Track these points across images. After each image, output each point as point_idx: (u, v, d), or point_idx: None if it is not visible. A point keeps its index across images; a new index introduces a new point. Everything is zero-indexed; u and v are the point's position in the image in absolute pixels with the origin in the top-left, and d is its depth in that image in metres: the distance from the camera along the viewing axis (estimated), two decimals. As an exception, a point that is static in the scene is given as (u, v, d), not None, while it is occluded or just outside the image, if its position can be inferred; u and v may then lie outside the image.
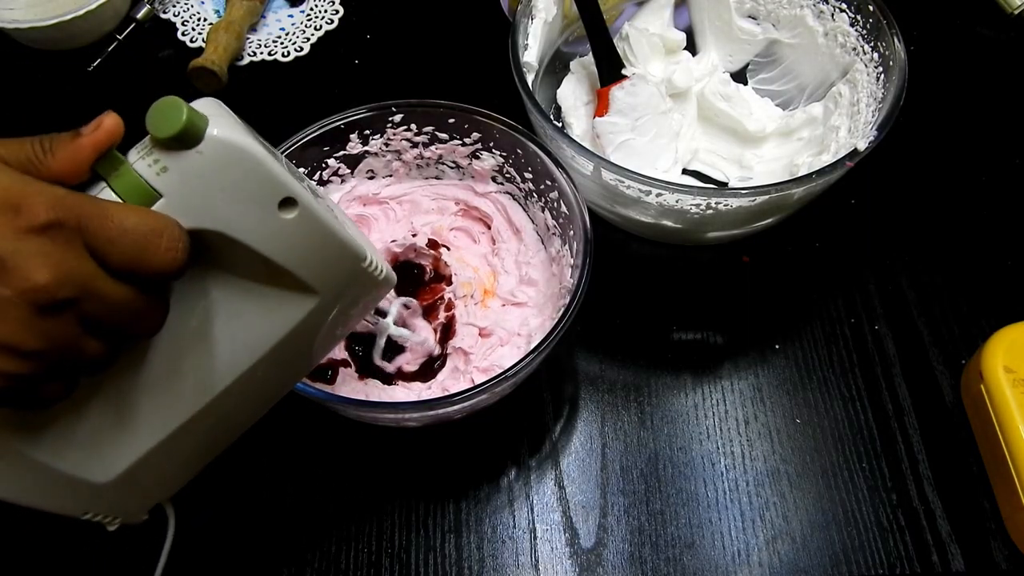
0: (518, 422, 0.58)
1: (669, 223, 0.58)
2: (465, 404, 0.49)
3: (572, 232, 0.54)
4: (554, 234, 0.58)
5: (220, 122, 0.34)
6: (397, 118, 0.58)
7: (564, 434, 0.57)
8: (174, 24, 0.78)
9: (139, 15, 0.77)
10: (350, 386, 0.55)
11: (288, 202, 0.36)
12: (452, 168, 0.62)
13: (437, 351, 0.57)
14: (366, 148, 0.59)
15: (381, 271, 0.42)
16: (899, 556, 0.53)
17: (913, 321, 0.62)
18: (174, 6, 0.79)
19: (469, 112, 0.57)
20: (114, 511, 0.40)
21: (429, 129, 0.59)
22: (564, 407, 0.58)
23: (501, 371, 0.47)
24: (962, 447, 0.56)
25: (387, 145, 0.59)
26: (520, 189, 0.60)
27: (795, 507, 0.54)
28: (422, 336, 0.56)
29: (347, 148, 0.58)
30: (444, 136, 0.59)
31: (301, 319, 0.40)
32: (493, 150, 0.59)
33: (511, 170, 0.59)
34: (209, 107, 0.34)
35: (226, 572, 0.53)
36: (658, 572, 0.52)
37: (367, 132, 0.58)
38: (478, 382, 0.48)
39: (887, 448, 0.56)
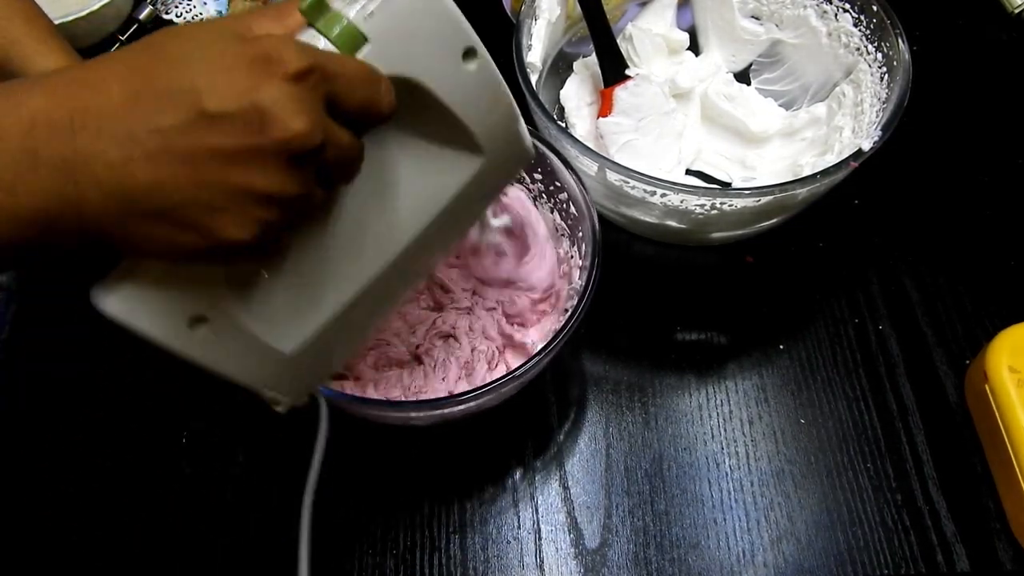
0: (523, 423, 0.58)
1: (673, 223, 0.58)
2: (471, 404, 0.48)
3: (581, 234, 0.54)
4: (563, 235, 0.58)
5: None
6: None
7: (568, 435, 0.57)
8: (177, 24, 0.78)
9: (141, 16, 0.77)
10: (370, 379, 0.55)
11: (471, 52, 0.37)
12: None
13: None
14: None
15: (529, 139, 0.44)
16: (904, 556, 0.52)
17: (917, 321, 0.61)
18: (176, 7, 0.79)
19: None
20: (288, 387, 0.41)
21: None
22: (569, 408, 0.58)
23: (507, 372, 0.47)
24: (966, 447, 0.56)
25: None
26: (530, 190, 0.60)
27: (800, 507, 0.54)
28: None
29: None
30: None
31: (469, 179, 0.41)
32: None
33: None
34: None
35: (227, 572, 0.53)
36: (663, 573, 0.52)
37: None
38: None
39: (891, 448, 0.56)
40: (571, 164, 0.55)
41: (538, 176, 0.58)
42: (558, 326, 0.49)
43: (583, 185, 0.54)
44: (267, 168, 0.30)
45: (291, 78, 0.30)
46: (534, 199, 0.60)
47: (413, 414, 0.52)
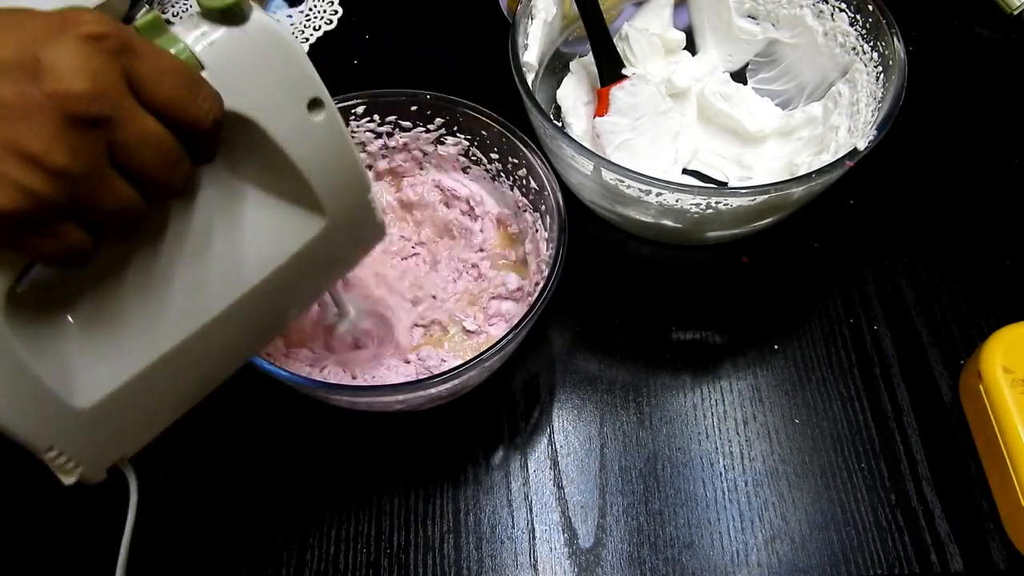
0: (517, 422, 0.58)
1: (669, 223, 0.58)
2: (456, 382, 0.49)
3: (544, 207, 0.55)
4: (525, 210, 0.59)
5: (261, 12, 0.34)
6: (359, 109, 0.58)
7: (563, 434, 0.57)
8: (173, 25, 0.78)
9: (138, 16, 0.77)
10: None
11: (316, 103, 0.37)
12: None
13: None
14: None
15: (380, 213, 0.42)
16: (898, 556, 0.53)
17: (912, 321, 0.62)
18: (172, 7, 0.79)
19: (431, 99, 0.58)
20: (79, 453, 0.37)
21: (392, 119, 0.59)
22: (563, 407, 0.58)
23: (487, 348, 0.48)
24: (961, 447, 0.56)
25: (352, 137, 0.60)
26: (488, 171, 0.60)
27: (794, 507, 0.54)
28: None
29: None
30: (407, 124, 0.60)
31: (307, 242, 0.39)
32: (458, 134, 0.59)
33: (477, 152, 0.60)
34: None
35: (224, 573, 0.53)
36: (657, 572, 0.52)
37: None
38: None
39: (886, 448, 0.56)
40: (562, 162, 0.55)
41: (495, 155, 0.59)
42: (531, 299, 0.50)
43: (542, 157, 0.55)
44: (38, 125, 0.28)
45: (83, 38, 0.28)
46: (492, 178, 0.60)
47: (388, 398, 0.51)
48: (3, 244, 0.30)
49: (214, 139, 0.34)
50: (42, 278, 0.34)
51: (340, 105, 0.57)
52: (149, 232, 0.36)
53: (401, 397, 0.50)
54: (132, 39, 0.30)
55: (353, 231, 0.42)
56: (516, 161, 0.57)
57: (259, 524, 0.54)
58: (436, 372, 0.51)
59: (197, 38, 0.33)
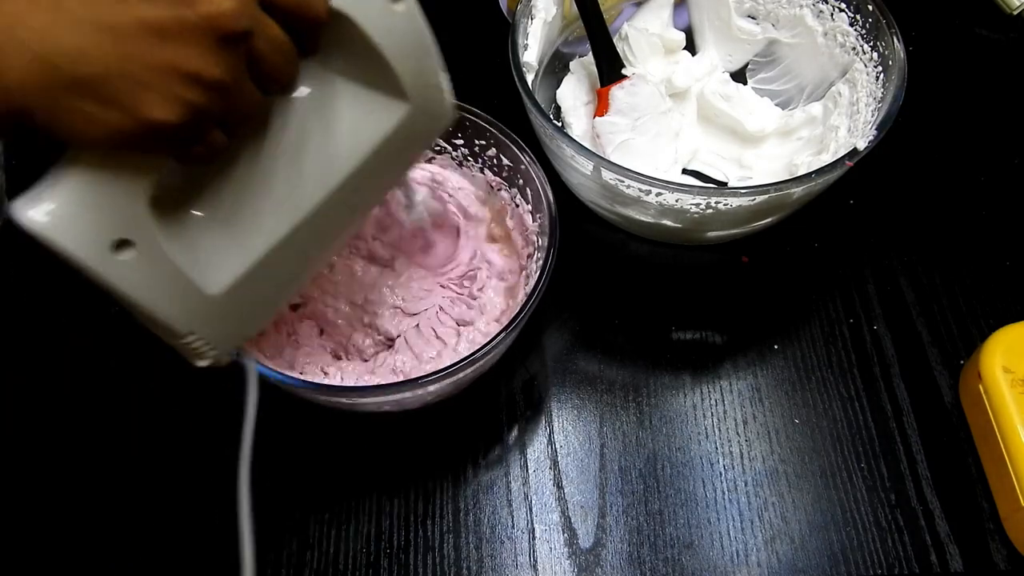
0: (517, 422, 0.58)
1: (669, 223, 0.58)
2: (445, 383, 0.49)
3: (521, 181, 0.57)
4: (500, 189, 0.59)
5: None
6: None
7: (563, 434, 0.57)
8: None
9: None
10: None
11: None
12: None
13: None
14: None
15: (450, 96, 0.45)
16: (898, 556, 0.53)
17: (912, 321, 0.62)
18: None
19: None
20: (213, 336, 0.41)
21: None
22: (563, 407, 0.58)
23: (488, 340, 0.48)
24: (961, 447, 0.56)
25: None
26: (453, 157, 0.61)
27: (794, 507, 0.54)
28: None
29: None
30: None
31: (395, 125, 0.42)
32: None
33: (440, 141, 0.60)
34: None
35: (224, 573, 0.53)
36: (656, 572, 0.52)
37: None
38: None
39: (886, 448, 0.56)
40: (562, 162, 0.55)
41: (459, 141, 0.59)
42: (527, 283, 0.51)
43: (516, 138, 0.56)
44: (194, 45, 0.31)
45: None
46: (459, 164, 0.61)
47: (383, 398, 0.51)
48: (160, 150, 0.34)
49: (320, 32, 0.36)
50: (170, 179, 0.37)
51: None
52: (257, 128, 0.40)
53: (390, 398, 0.50)
54: None
55: (429, 114, 0.44)
56: (483, 143, 0.58)
57: (259, 524, 0.54)
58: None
59: None
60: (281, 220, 0.41)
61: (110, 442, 0.57)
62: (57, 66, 0.29)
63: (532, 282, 0.51)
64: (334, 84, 0.41)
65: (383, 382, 0.54)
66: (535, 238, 0.56)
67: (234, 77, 0.32)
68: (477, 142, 0.58)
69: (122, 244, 0.35)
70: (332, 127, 0.41)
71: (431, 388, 0.49)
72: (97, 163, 0.33)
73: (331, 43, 0.39)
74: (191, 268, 0.38)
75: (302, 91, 0.40)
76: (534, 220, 0.56)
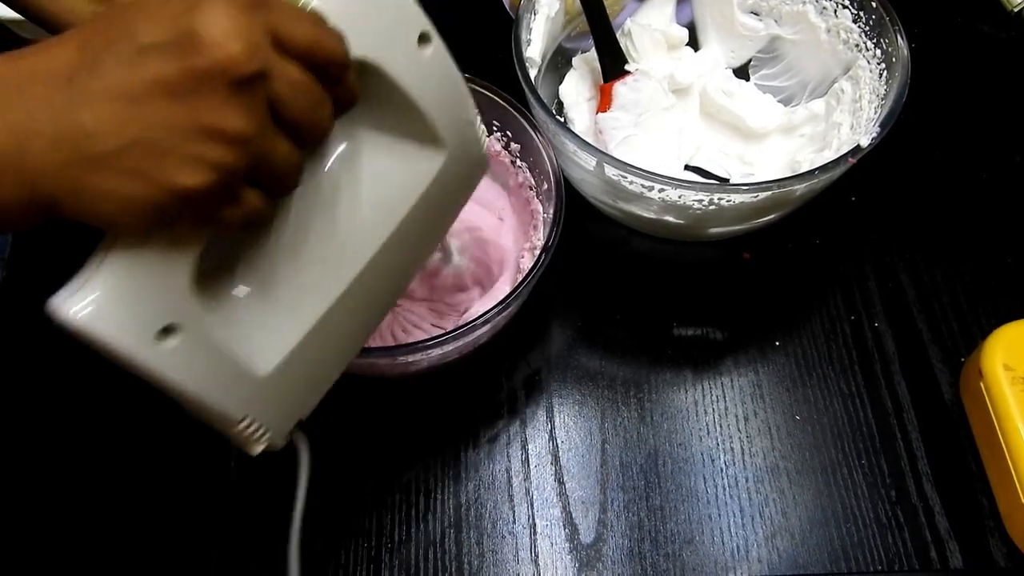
0: (518, 417, 0.58)
1: (671, 219, 0.58)
2: (482, 331, 0.50)
3: (532, 158, 0.58)
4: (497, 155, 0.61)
5: None
6: None
7: (564, 430, 0.57)
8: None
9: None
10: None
11: (425, 37, 0.37)
12: None
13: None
14: None
15: (485, 139, 0.43)
16: (898, 553, 0.53)
17: (913, 318, 0.62)
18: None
19: None
20: (268, 419, 0.39)
21: None
22: (564, 403, 0.58)
23: (494, 304, 0.49)
24: (961, 444, 0.56)
25: None
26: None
27: (794, 503, 0.54)
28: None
29: None
30: None
31: (434, 176, 0.40)
32: None
33: None
34: None
35: (224, 570, 0.53)
36: (657, 568, 0.52)
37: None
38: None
39: (886, 445, 0.56)
40: (564, 157, 0.55)
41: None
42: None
43: (524, 114, 0.58)
44: (208, 97, 0.29)
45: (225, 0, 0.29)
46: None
47: (376, 360, 0.51)
48: (194, 219, 0.32)
49: (350, 77, 0.34)
50: (208, 255, 0.35)
51: None
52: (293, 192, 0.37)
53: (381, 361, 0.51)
54: None
55: (466, 162, 0.43)
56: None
57: (259, 522, 0.54)
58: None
59: None
60: (327, 288, 0.39)
61: (111, 446, 0.57)
62: (76, 145, 0.28)
63: (540, 246, 0.52)
64: (366, 138, 0.39)
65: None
66: (540, 205, 0.57)
67: (257, 126, 0.30)
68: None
69: (167, 330, 0.33)
70: (371, 184, 0.39)
71: (433, 352, 0.50)
72: (135, 246, 0.31)
73: (362, 95, 0.36)
74: (238, 348, 0.36)
75: (335, 148, 0.38)
76: (546, 208, 0.56)
